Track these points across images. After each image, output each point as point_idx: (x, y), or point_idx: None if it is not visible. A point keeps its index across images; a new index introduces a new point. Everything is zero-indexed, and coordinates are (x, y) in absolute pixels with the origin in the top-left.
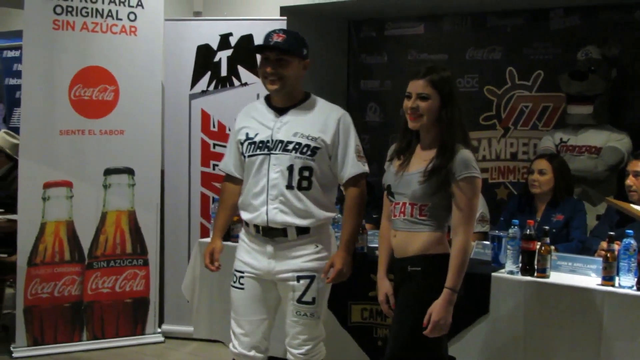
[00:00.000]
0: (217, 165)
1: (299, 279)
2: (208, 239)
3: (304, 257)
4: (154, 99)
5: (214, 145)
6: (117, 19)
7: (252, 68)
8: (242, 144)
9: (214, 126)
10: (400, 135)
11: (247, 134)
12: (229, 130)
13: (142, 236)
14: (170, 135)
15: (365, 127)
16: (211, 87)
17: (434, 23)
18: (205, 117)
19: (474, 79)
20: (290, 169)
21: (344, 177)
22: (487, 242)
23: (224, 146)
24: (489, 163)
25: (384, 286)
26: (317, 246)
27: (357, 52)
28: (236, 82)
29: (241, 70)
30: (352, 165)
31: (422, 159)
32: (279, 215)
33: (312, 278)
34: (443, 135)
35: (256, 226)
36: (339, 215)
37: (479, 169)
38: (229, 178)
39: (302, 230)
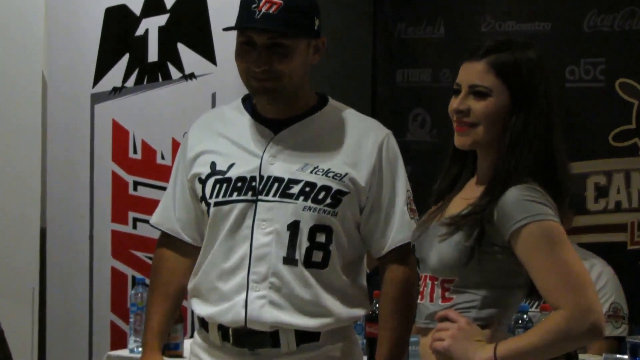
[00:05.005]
0: (142, 220)
1: None
2: (125, 353)
3: None
4: (28, 103)
5: (135, 184)
6: None
7: (203, 48)
8: (202, 181)
9: (134, 151)
10: (449, 161)
11: (212, 165)
12: (163, 157)
13: (7, 346)
14: (56, 168)
15: (406, 153)
16: (130, 82)
17: None
18: (120, 134)
19: (598, 67)
20: (294, 228)
21: (384, 247)
22: (623, 357)
23: (158, 187)
24: (628, 215)
25: None
26: None
27: (390, 20)
28: (175, 74)
29: (184, 52)
30: (401, 227)
31: (464, 199)
32: (268, 311)
33: None
34: (500, 159)
35: (224, 329)
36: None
37: (552, 208)
38: (170, 242)
39: (306, 337)
